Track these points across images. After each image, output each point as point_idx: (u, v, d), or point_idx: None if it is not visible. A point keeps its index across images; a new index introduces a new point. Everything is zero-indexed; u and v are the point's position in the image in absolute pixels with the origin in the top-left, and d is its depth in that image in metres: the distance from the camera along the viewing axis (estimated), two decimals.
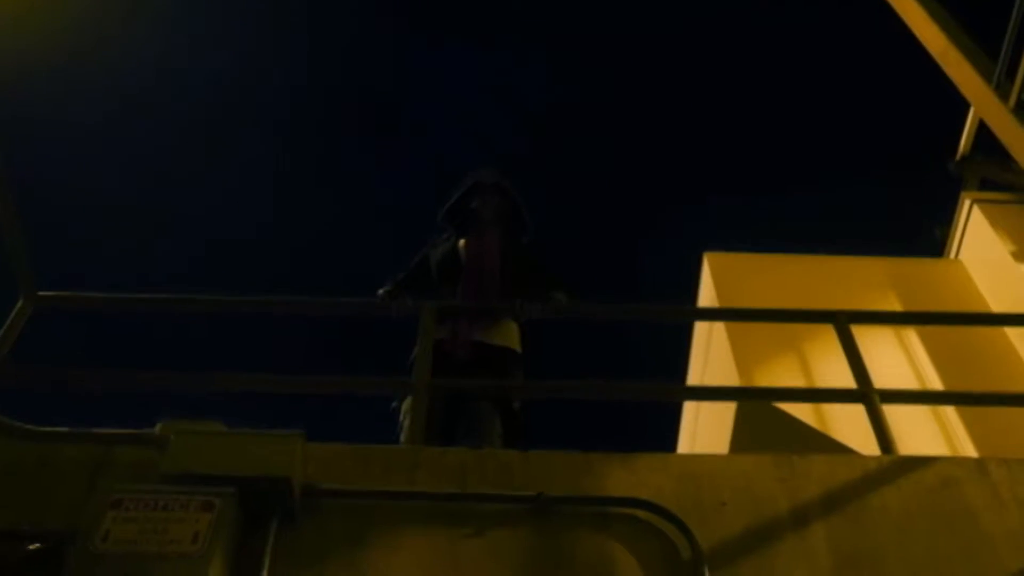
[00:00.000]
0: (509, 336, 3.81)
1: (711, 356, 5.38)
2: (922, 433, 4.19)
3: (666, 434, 6.17)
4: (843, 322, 3.35)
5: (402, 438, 3.36)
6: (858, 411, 3.08)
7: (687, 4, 10.55)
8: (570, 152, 11.34)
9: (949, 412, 4.36)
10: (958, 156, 5.84)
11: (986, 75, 4.87)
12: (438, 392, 3.26)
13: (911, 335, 4.92)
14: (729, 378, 4.76)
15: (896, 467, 2.69)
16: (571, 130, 11.24)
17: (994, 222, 5.32)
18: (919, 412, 4.24)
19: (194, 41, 10.11)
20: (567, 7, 10.98)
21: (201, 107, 10.36)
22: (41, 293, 3.23)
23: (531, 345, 3.96)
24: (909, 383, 4.57)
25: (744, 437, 4.44)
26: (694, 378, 5.86)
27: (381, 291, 3.85)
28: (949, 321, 4.72)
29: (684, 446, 5.96)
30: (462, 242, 4.03)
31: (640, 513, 2.44)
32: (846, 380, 3.23)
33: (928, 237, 5.95)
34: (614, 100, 11.36)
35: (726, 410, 4.68)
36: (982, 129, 5.51)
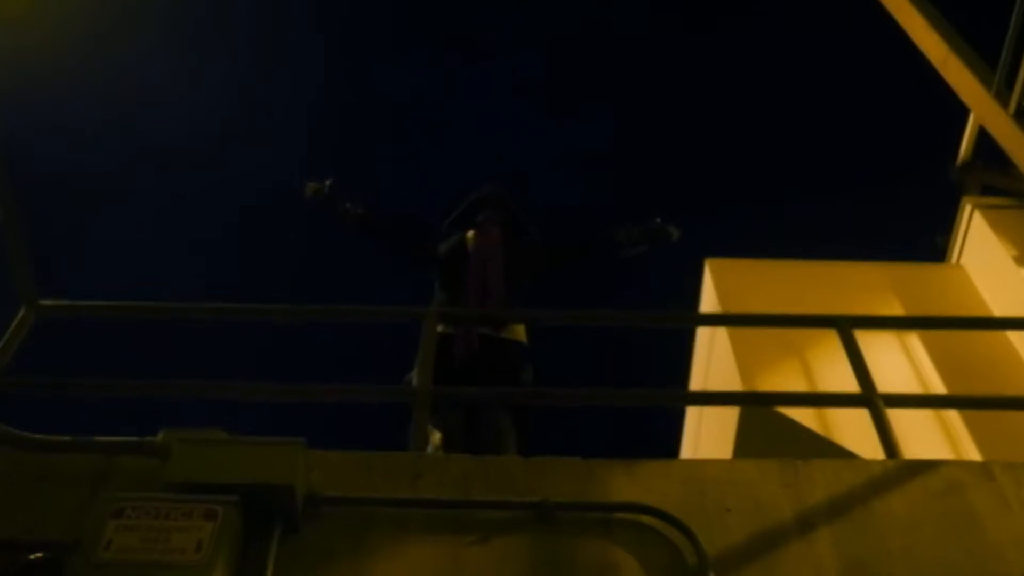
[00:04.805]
0: (516, 329, 3.80)
1: (714, 361, 5.37)
2: (926, 437, 4.18)
3: (669, 440, 6.16)
4: (846, 327, 3.34)
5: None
6: (862, 416, 3.07)
7: (689, 9, 10.58)
8: (573, 158, 11.37)
9: (953, 416, 4.34)
10: (959, 162, 5.85)
11: (986, 82, 4.90)
12: (448, 400, 3.25)
13: (914, 340, 4.91)
14: (732, 383, 4.74)
15: (901, 472, 2.67)
16: (573, 136, 11.28)
17: (995, 227, 5.33)
18: (923, 416, 4.23)
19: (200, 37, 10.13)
20: (567, 11, 11.02)
21: (213, 110, 10.36)
22: (43, 302, 3.22)
23: (534, 351, 3.95)
24: (912, 387, 4.56)
25: (747, 442, 4.43)
26: (697, 383, 5.85)
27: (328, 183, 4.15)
28: (951, 325, 4.72)
29: (687, 452, 5.94)
30: (471, 233, 4.05)
31: (644, 519, 2.42)
32: (849, 385, 3.22)
33: (930, 242, 5.96)
34: (616, 106, 11.39)
35: (729, 415, 4.67)
36: (982, 135, 5.52)
